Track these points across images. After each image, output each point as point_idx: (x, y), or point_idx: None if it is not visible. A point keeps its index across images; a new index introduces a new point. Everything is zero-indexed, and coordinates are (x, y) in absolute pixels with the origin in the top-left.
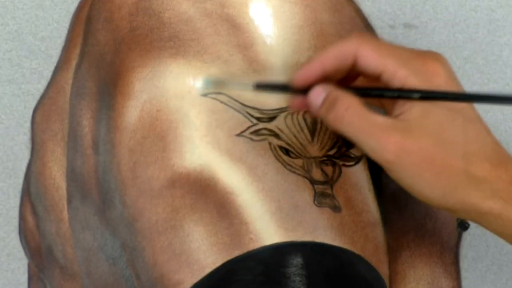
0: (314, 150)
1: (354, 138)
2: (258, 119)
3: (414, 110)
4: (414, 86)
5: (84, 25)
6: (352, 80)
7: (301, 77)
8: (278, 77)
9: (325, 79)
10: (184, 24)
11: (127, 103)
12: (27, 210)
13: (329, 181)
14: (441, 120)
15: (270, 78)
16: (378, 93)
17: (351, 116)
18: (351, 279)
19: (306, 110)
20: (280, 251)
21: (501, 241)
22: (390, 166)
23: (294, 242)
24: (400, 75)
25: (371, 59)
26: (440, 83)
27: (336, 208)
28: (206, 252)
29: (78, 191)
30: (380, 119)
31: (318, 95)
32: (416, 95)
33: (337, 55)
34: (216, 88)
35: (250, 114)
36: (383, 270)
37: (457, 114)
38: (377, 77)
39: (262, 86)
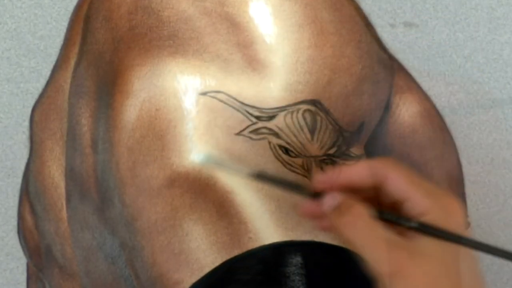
0: (314, 149)
1: (359, 247)
2: (257, 118)
3: (426, 239)
4: (433, 222)
5: (83, 23)
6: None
7: (322, 182)
8: (278, 76)
9: (344, 189)
10: (183, 22)
11: (126, 102)
12: (26, 210)
13: None
14: (447, 261)
15: (269, 77)
16: (394, 219)
17: (361, 225)
18: (351, 278)
19: (313, 214)
20: (279, 251)
21: (501, 241)
22: (390, 281)
23: (293, 242)
24: (423, 206)
25: (399, 185)
26: (456, 225)
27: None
28: (205, 252)
29: (77, 190)
30: (388, 235)
31: (334, 199)
32: (434, 232)
33: (367, 172)
34: (213, 164)
35: (249, 113)
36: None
37: (463, 263)
38: (396, 204)
39: (263, 177)
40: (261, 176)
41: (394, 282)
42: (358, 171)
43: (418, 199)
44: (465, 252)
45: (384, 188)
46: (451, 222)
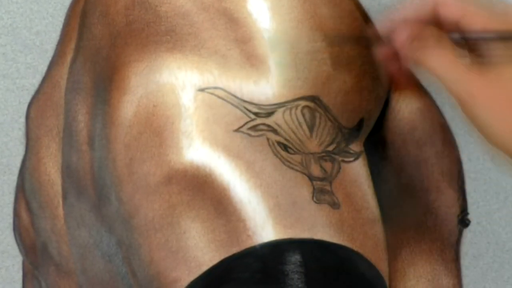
0: (313, 145)
1: (439, 70)
2: (256, 114)
3: (498, 54)
4: (496, 29)
5: (79, 19)
6: None
7: (386, 25)
8: (276, 72)
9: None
10: (181, 18)
11: (123, 98)
12: (21, 207)
13: (328, 177)
14: None
15: (268, 73)
16: (465, 38)
17: (440, 48)
18: (350, 277)
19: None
20: (278, 248)
21: (502, 238)
22: (472, 100)
23: (292, 239)
24: (482, 18)
25: (452, 7)
26: None
27: (335, 205)
28: (203, 249)
29: (73, 187)
30: (468, 59)
31: (406, 32)
32: (501, 36)
33: (417, 5)
34: None
35: (248, 109)
36: (383, 267)
37: None
38: (454, 26)
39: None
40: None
41: (476, 100)
42: (409, 7)
43: (475, 14)
44: None
45: (439, 14)
46: None
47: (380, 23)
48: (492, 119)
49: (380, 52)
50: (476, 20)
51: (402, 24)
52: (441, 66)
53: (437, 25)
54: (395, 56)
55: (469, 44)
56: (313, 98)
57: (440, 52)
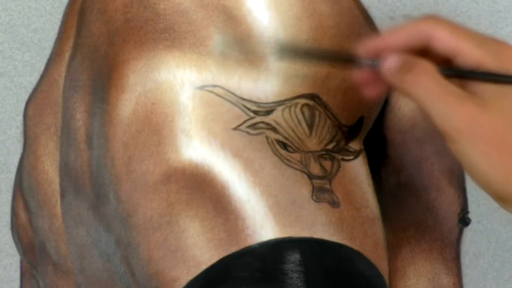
0: (312, 144)
1: (426, 102)
2: (255, 112)
3: (488, 89)
4: (490, 68)
5: (77, 16)
6: None
7: (369, 47)
8: (275, 70)
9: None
10: (179, 15)
11: (121, 96)
12: (19, 206)
13: (328, 176)
14: None
15: (267, 71)
16: (456, 73)
17: (428, 80)
18: (350, 276)
19: (364, 83)
20: (277, 247)
21: (503, 237)
22: (458, 136)
23: (291, 238)
24: (476, 56)
25: (447, 40)
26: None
27: (334, 204)
28: (202, 248)
29: (71, 186)
30: (456, 89)
31: (393, 61)
32: (494, 78)
33: (411, 33)
34: (233, 49)
35: (246, 107)
36: (383, 266)
37: None
38: (447, 60)
39: (287, 51)
40: (289, 50)
41: (464, 137)
42: (402, 34)
43: (470, 51)
44: None
45: (432, 46)
46: (509, 67)
47: (368, 44)
48: (478, 158)
49: (359, 75)
50: (470, 57)
51: (391, 50)
52: (428, 98)
53: (427, 55)
54: (375, 81)
55: (459, 79)
56: (312, 96)
57: (427, 84)
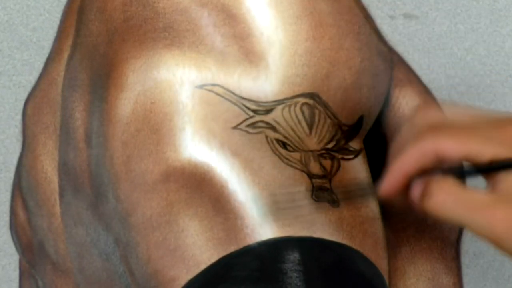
0: (312, 143)
1: (460, 220)
2: (254, 111)
3: (509, 180)
4: (506, 157)
5: (76, 15)
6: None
7: (387, 189)
8: (275, 69)
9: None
10: (179, 14)
11: (120, 95)
12: (18, 205)
13: (327, 175)
14: None
15: (267, 69)
16: (473, 171)
17: (452, 199)
18: (350, 275)
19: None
20: (276, 247)
21: None
22: (502, 242)
23: (291, 237)
24: (487, 152)
25: (455, 149)
26: None
27: (334, 203)
28: (201, 248)
29: (70, 185)
30: (479, 195)
31: (416, 190)
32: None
33: (417, 157)
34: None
35: (246, 107)
36: (382, 265)
37: None
38: (462, 160)
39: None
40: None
41: (508, 241)
42: (408, 161)
43: (481, 149)
44: None
45: (443, 157)
46: None
47: (384, 187)
48: None
49: (401, 205)
50: (484, 155)
51: (408, 181)
52: (459, 217)
53: (443, 163)
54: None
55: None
56: (312, 95)
57: (451, 204)
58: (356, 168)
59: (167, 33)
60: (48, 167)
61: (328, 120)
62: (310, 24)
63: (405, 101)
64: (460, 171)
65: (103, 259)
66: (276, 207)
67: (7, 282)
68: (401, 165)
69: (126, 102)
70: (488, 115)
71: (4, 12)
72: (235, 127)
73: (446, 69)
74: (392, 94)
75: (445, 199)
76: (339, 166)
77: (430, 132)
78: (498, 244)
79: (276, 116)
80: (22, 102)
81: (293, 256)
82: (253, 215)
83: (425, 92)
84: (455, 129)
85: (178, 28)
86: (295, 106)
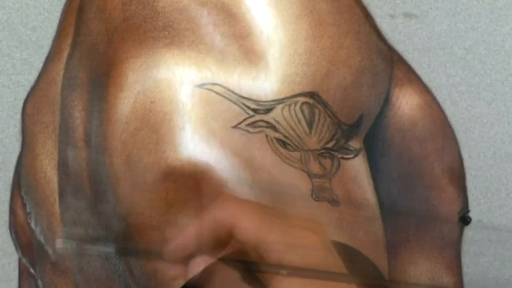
0: (312, 142)
1: None
2: (254, 110)
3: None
4: (291, 262)
5: (76, 14)
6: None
7: (174, 251)
8: (275, 68)
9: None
10: (178, 13)
11: (120, 94)
12: (17, 204)
13: (327, 174)
14: None
15: (266, 69)
16: (256, 268)
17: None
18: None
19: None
20: None
21: (503, 236)
22: None
23: None
24: (278, 249)
25: (250, 232)
26: (313, 256)
27: (334, 202)
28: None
29: (69, 184)
30: None
31: (196, 267)
32: (296, 273)
33: (212, 226)
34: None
35: (246, 106)
36: (383, 265)
37: None
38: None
39: (125, 251)
40: (122, 251)
41: None
42: (203, 230)
43: (272, 242)
44: None
45: (235, 236)
46: (309, 257)
47: (172, 247)
48: None
49: (173, 272)
50: (274, 251)
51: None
52: None
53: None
54: None
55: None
56: (312, 94)
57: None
58: (356, 168)
59: (166, 32)
60: (48, 166)
61: (328, 119)
62: (309, 23)
63: (405, 100)
64: (248, 265)
65: (102, 259)
66: (276, 206)
67: (6, 282)
68: (194, 231)
69: (126, 101)
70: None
71: (3, 11)
72: (235, 127)
73: (446, 68)
74: (392, 93)
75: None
76: (339, 165)
77: (232, 206)
78: None
79: (276, 115)
80: (21, 101)
81: None
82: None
83: (425, 91)
84: (259, 215)
85: (178, 27)
86: (295, 105)
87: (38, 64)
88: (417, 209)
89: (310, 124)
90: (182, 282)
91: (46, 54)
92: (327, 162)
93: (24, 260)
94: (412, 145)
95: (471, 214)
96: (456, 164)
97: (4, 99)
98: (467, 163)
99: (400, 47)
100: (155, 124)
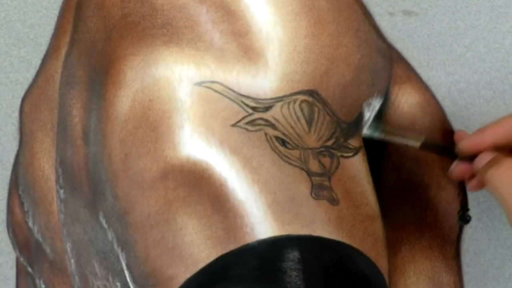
0: (311, 140)
1: (503, 197)
2: (253, 108)
3: None
4: None
5: (74, 12)
6: None
7: (470, 145)
8: (274, 66)
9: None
10: (177, 10)
11: (118, 92)
12: (15, 203)
13: (327, 173)
14: None
15: (266, 66)
16: None
17: (507, 176)
18: (349, 274)
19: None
20: (276, 245)
21: (503, 235)
22: None
23: (290, 236)
24: None
25: None
26: None
27: (334, 201)
28: (200, 246)
29: (68, 183)
30: None
31: (486, 157)
32: None
33: (505, 131)
34: (381, 134)
35: (245, 104)
36: (382, 264)
37: None
38: None
39: (428, 146)
40: (425, 146)
41: None
42: (500, 129)
43: None
44: None
45: None
46: None
47: (469, 141)
48: None
49: (458, 170)
50: None
51: (488, 147)
52: (507, 194)
53: None
54: (471, 173)
55: None
56: (311, 92)
57: (508, 180)
58: (356, 166)
59: (165, 30)
60: (46, 164)
61: (327, 118)
62: (309, 21)
63: (404, 98)
64: None
65: (100, 257)
66: (276, 206)
67: (3, 281)
68: (492, 129)
69: (124, 99)
70: None
71: (1, 9)
72: (234, 125)
73: (446, 66)
74: (391, 91)
75: (501, 173)
76: (338, 163)
77: None
78: None
79: (275, 113)
80: (19, 100)
81: (293, 255)
82: (252, 213)
83: (425, 89)
84: None
85: (177, 24)
86: (294, 103)
87: (36, 62)
88: (417, 208)
89: (309, 122)
90: (180, 281)
91: (44, 52)
92: (326, 161)
93: (21, 259)
94: None
95: (471, 213)
96: None
97: (2, 97)
98: None
99: (399, 45)
100: (153, 122)
